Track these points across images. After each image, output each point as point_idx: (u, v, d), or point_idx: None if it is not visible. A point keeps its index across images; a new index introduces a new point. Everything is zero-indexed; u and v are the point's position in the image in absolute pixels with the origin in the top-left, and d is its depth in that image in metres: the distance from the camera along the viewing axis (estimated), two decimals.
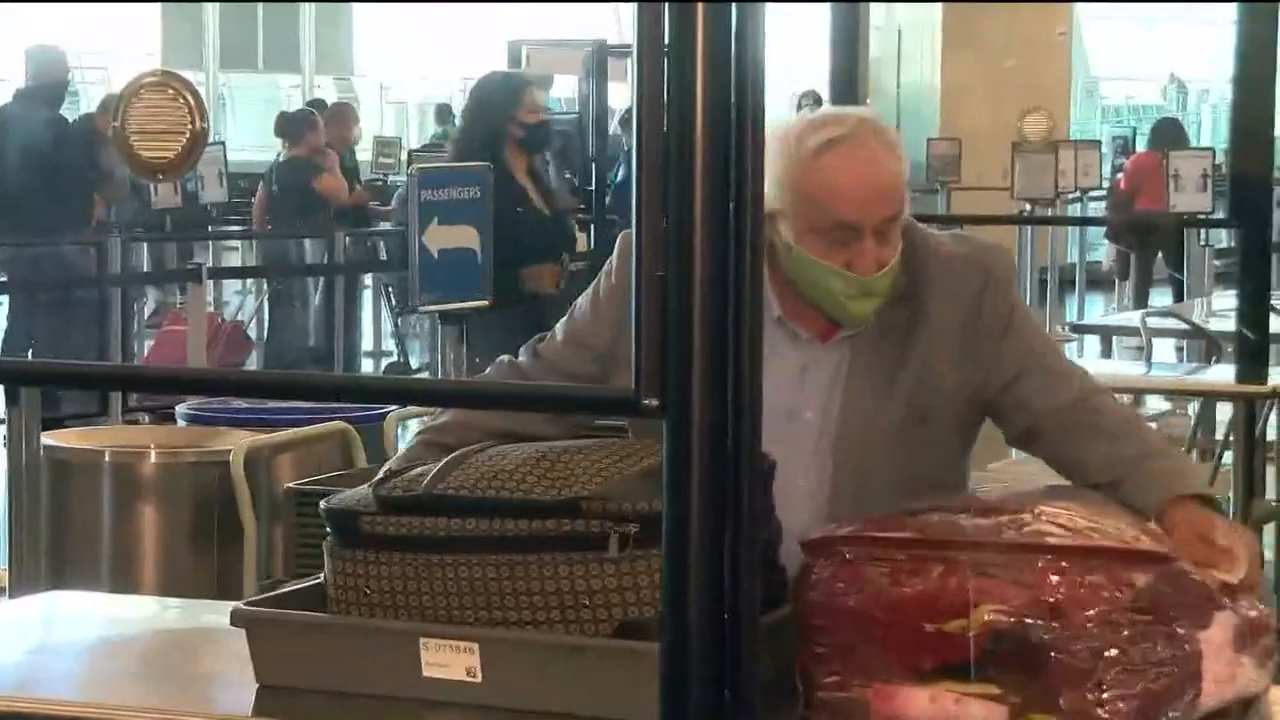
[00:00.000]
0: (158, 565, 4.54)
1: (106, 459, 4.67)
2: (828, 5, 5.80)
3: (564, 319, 2.86)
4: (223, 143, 12.98)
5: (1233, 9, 5.18)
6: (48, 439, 4.96)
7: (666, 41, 1.76)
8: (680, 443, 1.80)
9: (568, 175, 10.90)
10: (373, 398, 2.58)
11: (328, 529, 2.52)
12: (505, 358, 2.90)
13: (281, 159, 11.52)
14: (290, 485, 4.06)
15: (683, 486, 1.80)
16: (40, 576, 4.68)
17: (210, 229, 12.48)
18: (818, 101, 13.28)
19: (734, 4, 1.76)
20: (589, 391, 2.42)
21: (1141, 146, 15.59)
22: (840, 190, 2.67)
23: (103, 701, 2.50)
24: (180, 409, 5.78)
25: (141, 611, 3.24)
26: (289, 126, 11.72)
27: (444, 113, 16.35)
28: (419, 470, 2.50)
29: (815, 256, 2.70)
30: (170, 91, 4.82)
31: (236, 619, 2.50)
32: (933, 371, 2.74)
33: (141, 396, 8.24)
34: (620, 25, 18.65)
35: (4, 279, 9.67)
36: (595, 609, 2.37)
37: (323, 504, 2.55)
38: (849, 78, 6.53)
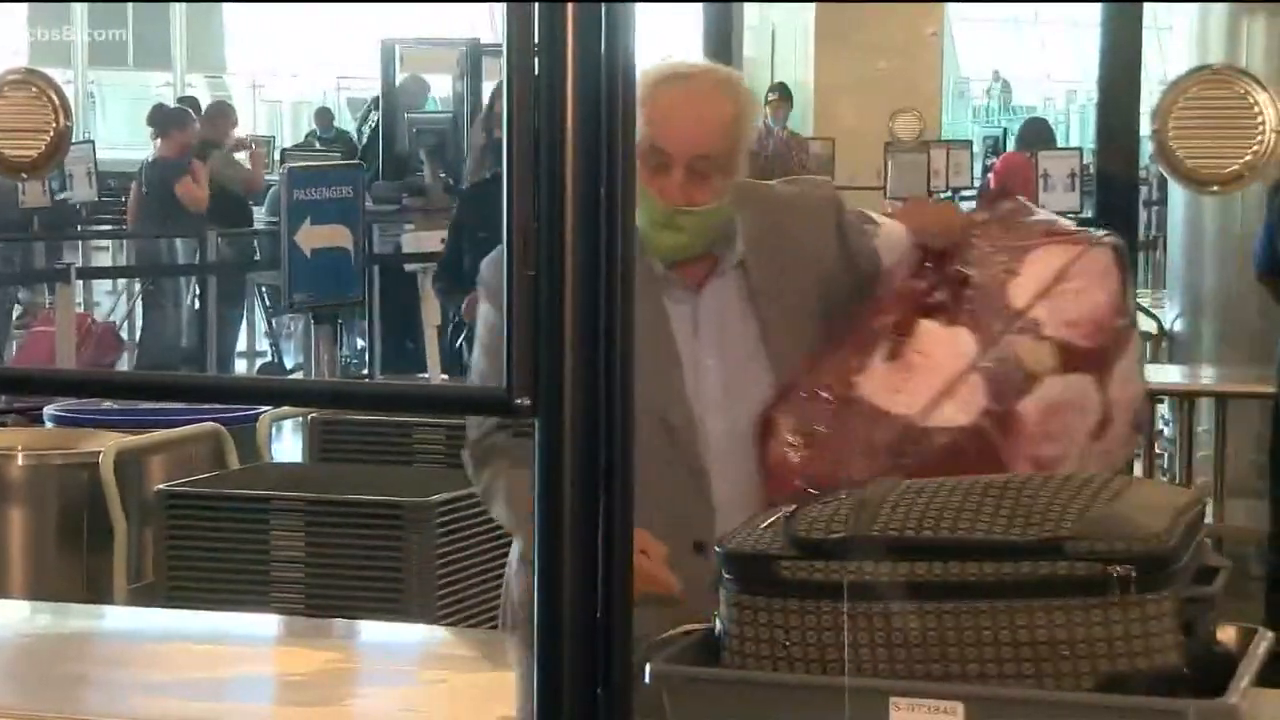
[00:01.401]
0: (26, 568, 4.49)
1: None
2: (700, 5, 5.83)
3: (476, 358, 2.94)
4: (92, 141, 12.85)
5: (1098, 9, 5.26)
6: None
7: (536, 41, 1.77)
8: (553, 442, 1.80)
9: (443, 175, 10.88)
10: (245, 398, 2.54)
11: (726, 574, 2.25)
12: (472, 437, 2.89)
13: (151, 159, 11.40)
14: (161, 487, 4.03)
15: (555, 485, 1.81)
16: None
17: (80, 229, 12.34)
18: (784, 95, 13.41)
19: (604, 3, 1.77)
20: (461, 392, 2.41)
21: (1011, 147, 15.76)
22: (660, 115, 2.78)
23: None
24: (49, 410, 5.71)
25: (10, 615, 3.20)
26: (162, 119, 11.61)
27: (324, 116, 16.23)
28: (818, 510, 2.26)
29: (642, 179, 2.78)
30: (34, 90, 4.77)
31: (656, 678, 2.19)
32: (803, 294, 2.89)
33: (9, 398, 8.14)
34: (495, 24, 18.64)
35: None
36: (1076, 660, 2.10)
37: (719, 547, 2.28)
38: None
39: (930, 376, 2.70)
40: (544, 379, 1.79)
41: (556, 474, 1.80)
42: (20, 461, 4.64)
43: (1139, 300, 5.71)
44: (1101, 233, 2.92)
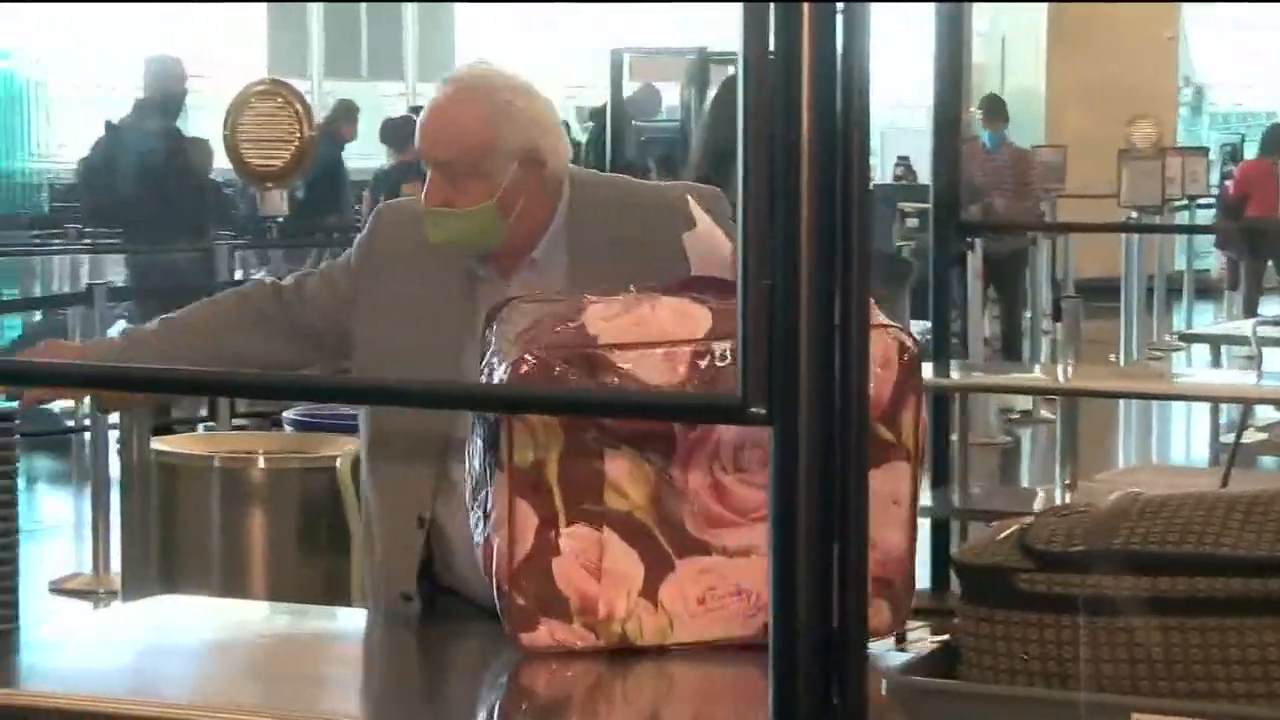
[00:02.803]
0: (266, 570, 4.57)
1: (216, 464, 4.71)
2: (930, 10, 5.77)
3: (324, 265, 3.20)
4: None
5: None
6: (158, 444, 5.01)
7: (772, 47, 1.76)
8: (787, 451, 1.80)
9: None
10: (488, 405, 2.55)
11: (963, 586, 2.25)
12: (268, 279, 3.22)
13: (386, 167, 11.60)
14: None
15: (789, 494, 1.80)
16: (151, 581, 4.73)
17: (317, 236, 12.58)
18: (993, 106, 12.75)
19: (839, 2, 1.76)
20: (694, 400, 2.42)
21: (1251, 154, 15.42)
22: (421, 121, 3.00)
23: (213, 704, 2.52)
24: (287, 415, 5.83)
25: (251, 615, 3.27)
26: (394, 133, 11.80)
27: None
28: (1056, 523, 2.24)
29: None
30: (279, 100, 4.86)
31: (893, 689, 2.19)
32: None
33: (249, 403, 8.32)
34: (724, 32, 18.63)
35: (125, 286, 9.79)
36: None
37: (955, 557, 2.32)
38: (953, 83, 6.50)
39: (644, 327, 2.57)
40: (779, 388, 1.79)
41: (791, 483, 1.80)
42: (261, 465, 4.73)
43: None
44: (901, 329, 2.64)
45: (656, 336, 2.54)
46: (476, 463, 2.64)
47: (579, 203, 3.05)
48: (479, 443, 2.63)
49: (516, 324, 2.63)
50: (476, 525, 2.64)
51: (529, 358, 2.51)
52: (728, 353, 2.51)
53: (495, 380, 2.55)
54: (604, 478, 2.54)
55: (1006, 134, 12.02)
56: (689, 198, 2.92)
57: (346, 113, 13.39)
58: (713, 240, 2.84)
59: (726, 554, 2.56)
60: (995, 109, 12.17)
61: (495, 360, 2.59)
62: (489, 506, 2.59)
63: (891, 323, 2.61)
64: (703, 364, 2.53)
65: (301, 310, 3.11)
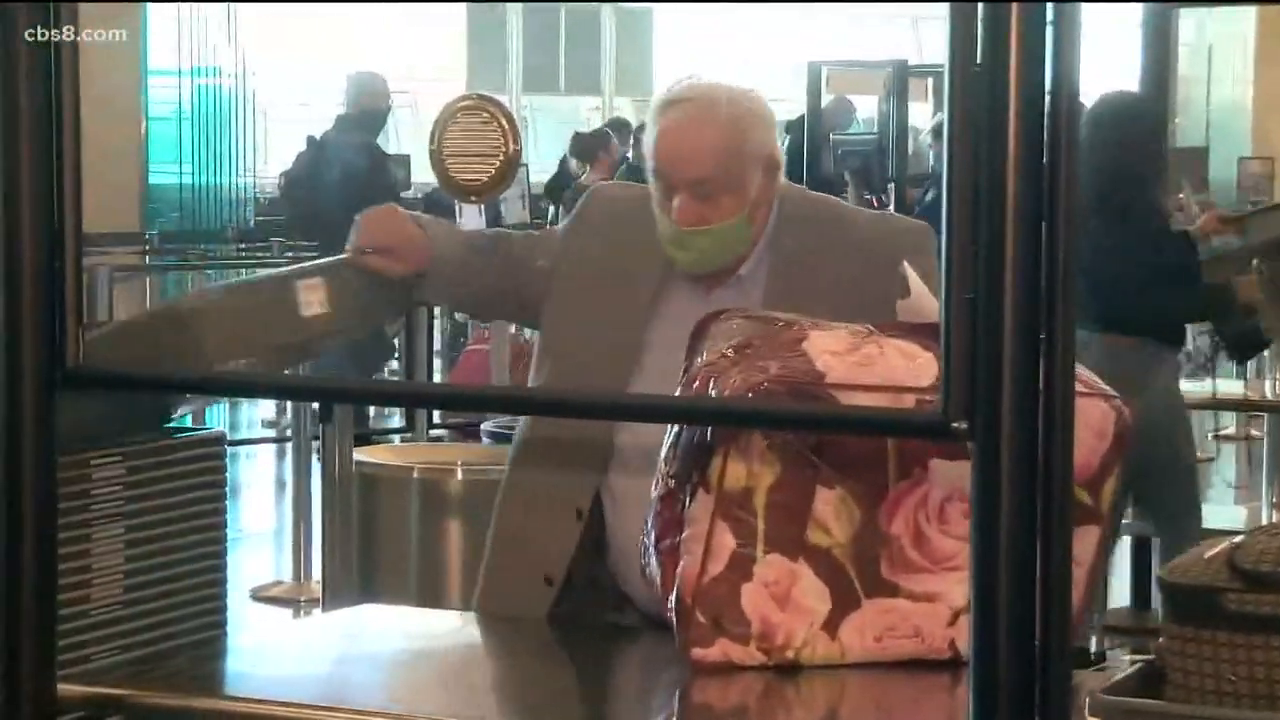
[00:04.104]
0: (464, 580, 4.62)
1: (415, 475, 4.76)
2: (1137, 21, 5.69)
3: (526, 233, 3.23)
4: (525, 165, 13.17)
5: None
6: (359, 455, 5.08)
7: (979, 56, 1.74)
8: (990, 468, 1.77)
9: (867, 196, 10.86)
10: (662, 416, 2.54)
11: (1169, 605, 2.23)
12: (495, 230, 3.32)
13: (584, 181, 11.66)
14: None
15: (992, 513, 1.78)
16: (351, 590, 4.79)
17: None
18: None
19: (1050, 2, 1.72)
20: (895, 414, 2.39)
21: None
22: (659, 142, 2.92)
23: (411, 714, 2.54)
24: (485, 426, 5.88)
25: (448, 625, 3.29)
26: (585, 148, 11.87)
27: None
28: (1266, 541, 2.21)
29: (656, 199, 2.95)
30: (485, 115, 4.90)
31: (1097, 708, 2.18)
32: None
33: (446, 415, 8.41)
34: (920, 45, 18.52)
35: None
36: None
37: (1161, 575, 2.28)
38: (1160, 94, 6.40)
39: (869, 367, 2.53)
40: (981, 404, 1.77)
41: (994, 500, 1.78)
42: (459, 477, 4.78)
43: None
44: (1117, 400, 2.61)
45: (882, 379, 2.53)
46: (673, 470, 2.64)
47: (786, 216, 3.01)
48: (678, 452, 2.63)
49: (729, 339, 2.63)
50: (656, 531, 2.64)
51: (762, 386, 2.50)
52: None
53: (708, 393, 2.55)
54: (810, 513, 2.55)
55: None
56: (905, 264, 2.78)
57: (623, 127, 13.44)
58: (922, 306, 2.77)
59: (912, 598, 2.59)
60: None
61: (707, 374, 2.58)
62: (684, 520, 2.59)
63: (1112, 392, 2.60)
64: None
65: (503, 264, 3.13)
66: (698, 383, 2.59)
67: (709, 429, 2.55)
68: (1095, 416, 2.55)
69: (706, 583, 2.54)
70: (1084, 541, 2.56)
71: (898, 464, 2.57)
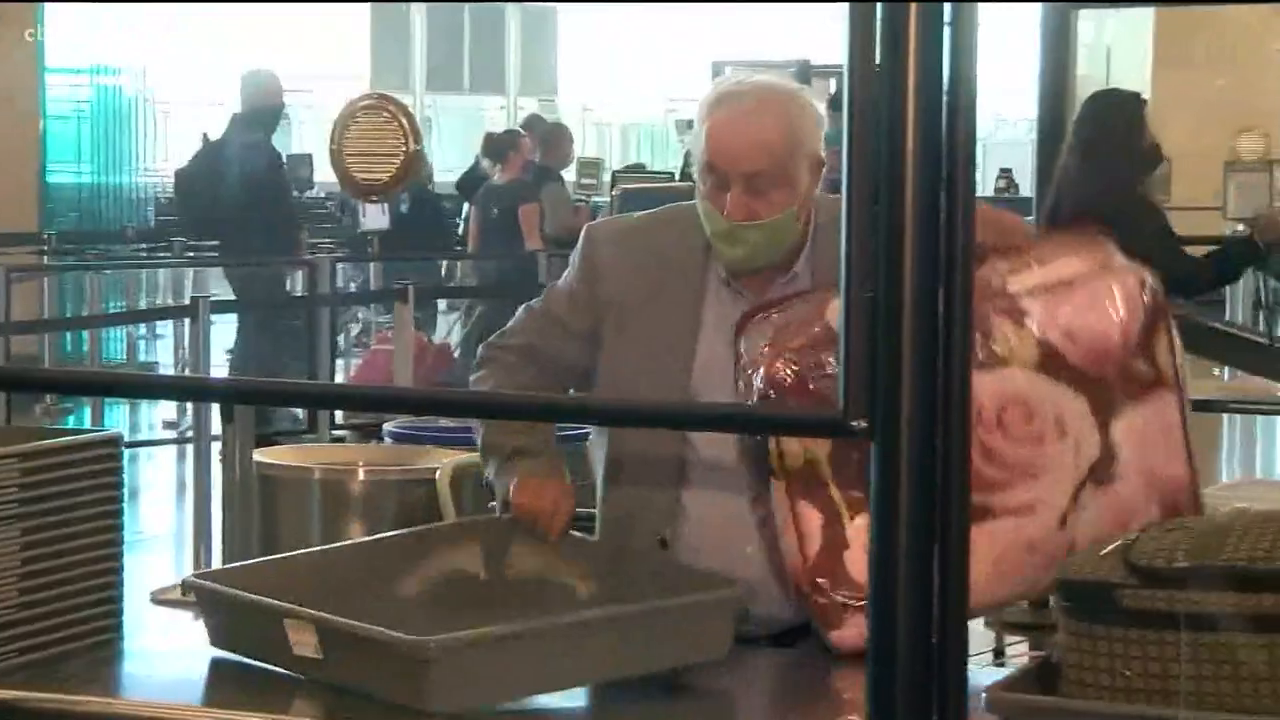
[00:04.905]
0: None
1: (316, 476, 4.72)
2: (1035, 22, 5.73)
3: (535, 306, 3.12)
4: (430, 164, 13.13)
5: None
6: (259, 456, 5.04)
7: (877, 59, 1.74)
8: (889, 467, 1.78)
9: None
10: (580, 417, 2.55)
11: (1065, 602, 2.25)
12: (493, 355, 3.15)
13: (496, 181, 11.62)
14: (496, 503, 4.08)
15: (891, 511, 1.78)
16: None
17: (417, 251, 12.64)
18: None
19: (948, 2, 1.73)
20: (791, 413, 2.40)
21: None
22: (712, 136, 2.92)
23: (310, 715, 2.52)
24: (387, 427, 5.85)
25: None
26: (497, 147, 11.83)
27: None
28: (1160, 538, 2.23)
29: (703, 196, 2.91)
30: (385, 114, 4.89)
31: (994, 705, 2.20)
32: None
33: (348, 415, 8.37)
34: (824, 46, 18.57)
35: (229, 299, 9.89)
36: None
37: (1058, 572, 2.31)
38: (1057, 95, 6.44)
39: None
40: (881, 402, 1.77)
41: (892, 498, 1.78)
42: (360, 477, 4.75)
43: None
44: (1139, 268, 2.70)
45: None
46: (750, 478, 2.70)
47: (824, 219, 3.00)
48: (739, 456, 2.70)
49: (763, 334, 2.65)
50: (767, 541, 2.69)
51: (780, 366, 2.53)
52: None
53: (754, 390, 2.56)
54: None
55: None
56: None
57: (562, 134, 13.41)
58: None
59: (1011, 513, 2.56)
60: None
61: (750, 372, 2.61)
62: (770, 518, 2.63)
63: (1129, 262, 2.65)
64: None
65: (535, 360, 3.07)
66: (741, 383, 2.62)
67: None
68: (1120, 292, 2.60)
69: (812, 564, 2.56)
70: (1163, 409, 2.59)
71: None
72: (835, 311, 2.55)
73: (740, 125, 2.92)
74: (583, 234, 3.11)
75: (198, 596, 2.76)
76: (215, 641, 2.72)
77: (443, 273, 13.10)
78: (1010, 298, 2.64)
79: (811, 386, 2.60)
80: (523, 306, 3.17)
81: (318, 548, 3.17)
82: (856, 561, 2.55)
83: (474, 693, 2.40)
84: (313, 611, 2.54)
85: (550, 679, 2.47)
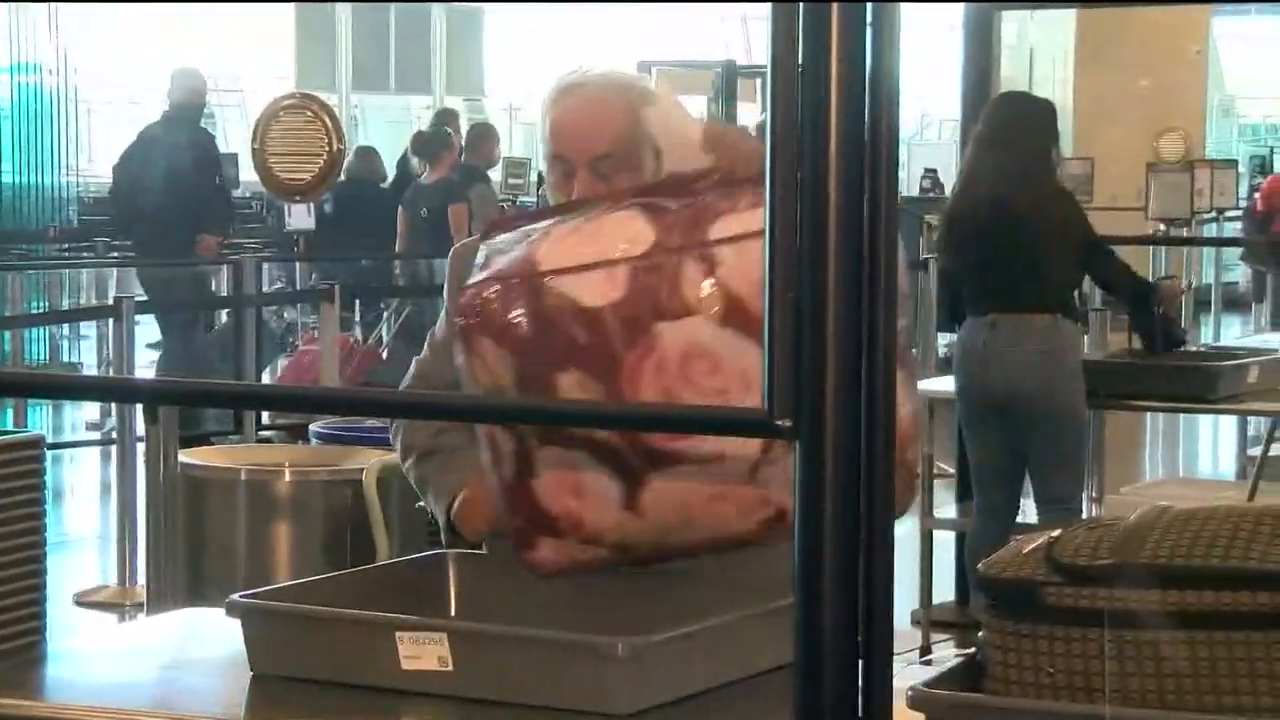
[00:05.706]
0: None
1: (242, 477, 4.71)
2: (959, 23, 5.77)
3: (422, 354, 3.11)
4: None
5: None
6: (185, 457, 5.02)
7: (800, 60, 1.75)
8: (814, 466, 1.79)
9: None
10: (505, 417, 2.55)
11: (988, 599, 2.23)
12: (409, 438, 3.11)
13: (425, 181, 11.58)
14: (422, 504, 4.08)
15: (816, 510, 1.79)
16: (178, 593, 4.73)
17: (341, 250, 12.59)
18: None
19: (870, 2, 1.74)
20: (719, 413, 2.40)
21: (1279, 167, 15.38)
22: (556, 124, 2.94)
23: (238, 718, 2.51)
24: (313, 428, 5.83)
25: None
26: (427, 146, 11.80)
27: None
28: (1083, 536, 2.22)
29: (552, 187, 2.97)
30: (308, 114, 4.87)
31: (917, 702, 2.18)
32: None
33: (274, 415, 8.33)
34: (749, 46, 18.63)
35: (146, 298, 9.83)
36: None
37: (980, 569, 2.27)
38: (981, 95, 6.49)
39: (587, 245, 2.57)
40: (805, 402, 1.78)
41: (817, 497, 1.79)
42: (286, 478, 4.73)
43: None
44: None
45: (598, 254, 2.54)
46: None
47: None
48: None
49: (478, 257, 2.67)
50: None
51: (465, 301, 2.53)
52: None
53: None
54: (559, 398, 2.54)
55: None
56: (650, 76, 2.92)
57: (488, 134, 13.41)
58: (674, 116, 2.90)
59: (699, 461, 2.55)
60: None
61: (459, 307, 2.62)
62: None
63: None
64: (647, 279, 2.53)
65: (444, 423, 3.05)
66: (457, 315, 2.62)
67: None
68: None
69: (506, 488, 2.56)
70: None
71: (622, 335, 2.54)
72: (551, 237, 2.58)
73: (583, 111, 2.95)
74: (450, 256, 3.10)
75: (251, 619, 2.62)
76: (266, 665, 2.60)
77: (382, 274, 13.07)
78: (705, 245, 2.58)
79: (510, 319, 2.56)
80: (414, 360, 3.17)
81: (348, 569, 3.18)
82: (548, 490, 2.57)
83: (655, 691, 2.43)
84: (471, 623, 2.51)
85: (716, 673, 2.50)
